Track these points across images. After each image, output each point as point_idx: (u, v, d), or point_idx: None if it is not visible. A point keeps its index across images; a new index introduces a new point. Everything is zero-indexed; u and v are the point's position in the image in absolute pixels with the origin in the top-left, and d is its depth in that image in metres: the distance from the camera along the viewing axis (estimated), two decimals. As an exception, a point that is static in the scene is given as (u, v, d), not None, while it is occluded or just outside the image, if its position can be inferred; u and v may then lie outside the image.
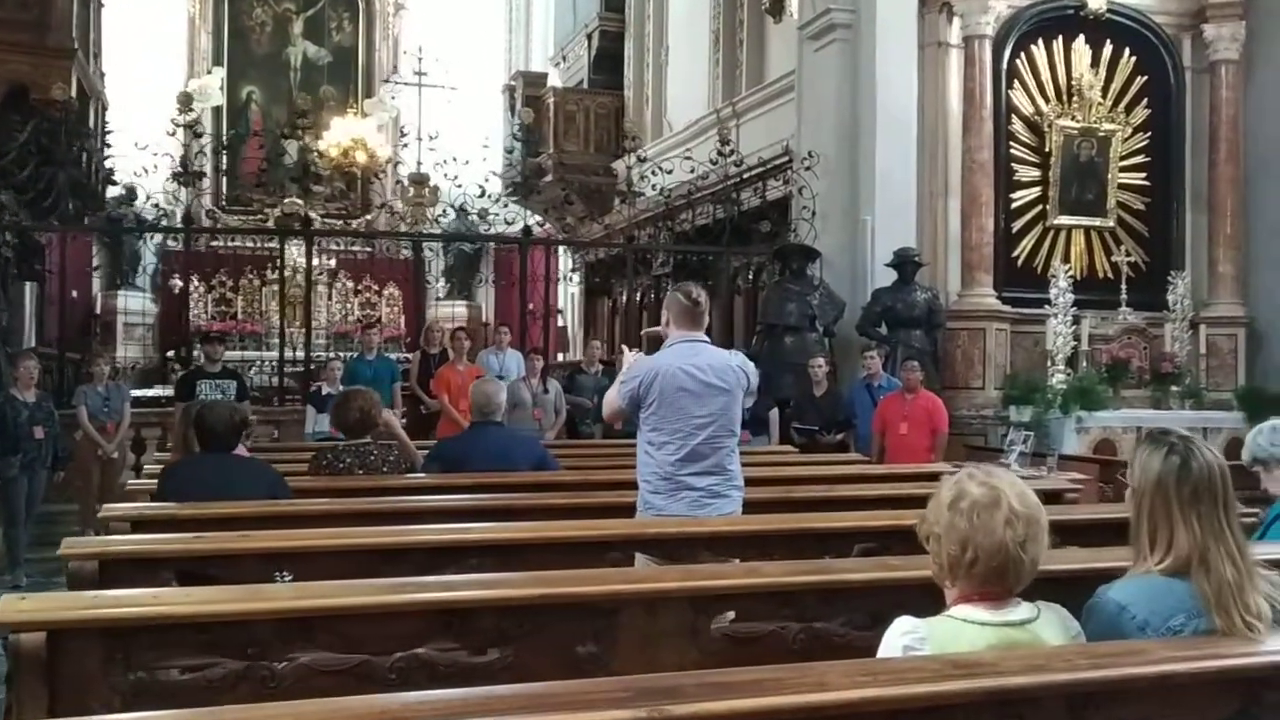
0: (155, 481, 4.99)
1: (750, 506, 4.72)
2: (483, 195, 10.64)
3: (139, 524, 4.19)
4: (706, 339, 4.62)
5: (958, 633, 2.29)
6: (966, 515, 2.24)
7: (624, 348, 5.15)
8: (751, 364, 4.73)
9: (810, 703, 2.06)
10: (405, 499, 4.81)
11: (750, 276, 11.91)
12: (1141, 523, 2.50)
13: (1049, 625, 2.36)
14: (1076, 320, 9.91)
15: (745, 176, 11.50)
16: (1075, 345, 9.92)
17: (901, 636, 2.33)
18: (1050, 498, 5.42)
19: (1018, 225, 10.42)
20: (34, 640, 2.59)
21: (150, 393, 12.46)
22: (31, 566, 7.75)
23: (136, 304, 16.25)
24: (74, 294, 14.22)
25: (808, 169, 10.46)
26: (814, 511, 4.70)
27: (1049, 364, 9.87)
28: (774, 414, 9.10)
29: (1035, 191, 10.47)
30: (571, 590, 2.99)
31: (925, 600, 2.51)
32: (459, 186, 11.02)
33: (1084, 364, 9.93)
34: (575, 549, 3.80)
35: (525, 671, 2.77)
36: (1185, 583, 2.42)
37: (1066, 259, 10.32)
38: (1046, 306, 9.93)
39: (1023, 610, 2.34)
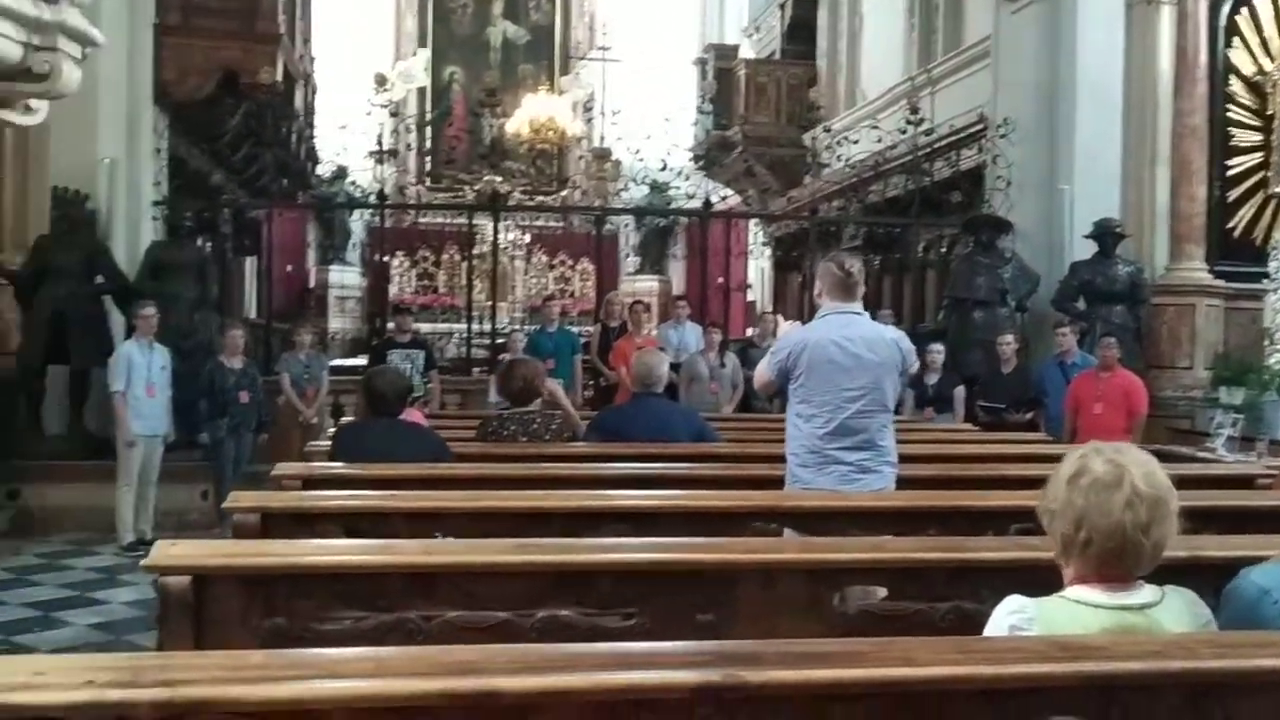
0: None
1: (907, 483, 4.60)
2: (664, 169, 10.69)
3: (309, 482, 4.42)
4: (860, 311, 4.51)
5: (1069, 614, 2.17)
6: (1084, 493, 2.11)
7: (778, 317, 5.09)
8: (908, 341, 4.59)
9: (892, 678, 1.99)
10: (562, 466, 4.90)
11: (942, 249, 11.54)
12: None
13: (1172, 611, 2.20)
14: (1299, 296, 9.18)
15: (937, 146, 11.14)
16: (1297, 323, 9.20)
17: (1009, 615, 2.23)
18: (1239, 483, 5.09)
19: (1234, 194, 9.73)
20: (180, 583, 2.78)
21: (355, 362, 13.10)
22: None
23: (346, 278, 17.13)
24: (289, 268, 15.12)
25: (1003, 137, 10.04)
26: (978, 490, 4.53)
27: (1266, 343, 9.19)
28: (959, 391, 8.83)
29: (1255, 158, 9.74)
30: (687, 558, 3.00)
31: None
32: (641, 161, 11.10)
33: (1307, 343, 9.20)
34: (716, 519, 3.79)
35: (664, 637, 2.78)
36: None
37: (1290, 230, 9.57)
38: (1265, 281, 9.25)
39: (1145, 594, 2.20)
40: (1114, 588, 2.17)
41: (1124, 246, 9.41)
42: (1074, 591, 2.20)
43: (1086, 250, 9.41)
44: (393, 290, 16.74)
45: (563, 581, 2.97)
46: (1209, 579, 2.44)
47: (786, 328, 4.75)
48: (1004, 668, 2.02)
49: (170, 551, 2.87)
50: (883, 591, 3.27)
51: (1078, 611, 2.16)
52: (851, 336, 4.36)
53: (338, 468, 4.65)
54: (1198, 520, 4.05)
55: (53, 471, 8.69)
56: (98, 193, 9.19)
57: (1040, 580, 2.48)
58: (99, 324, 8.98)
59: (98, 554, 7.91)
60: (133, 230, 9.49)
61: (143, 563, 2.84)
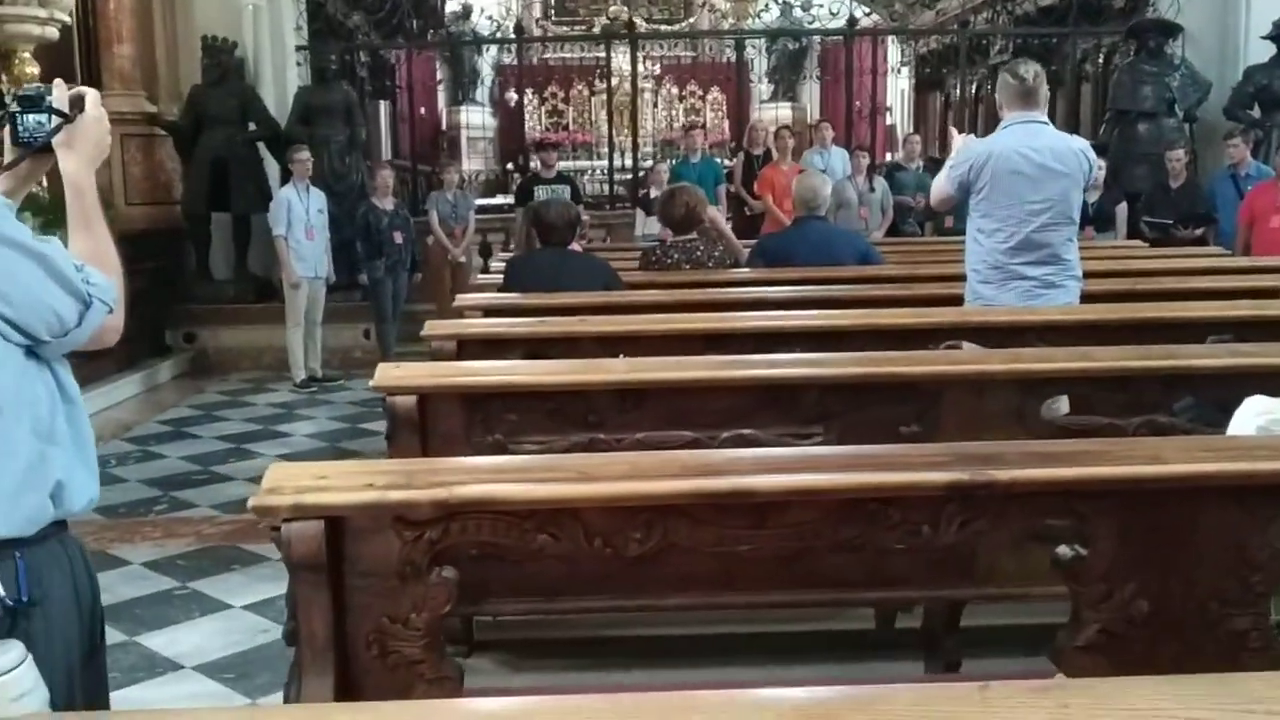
0: (501, 275, 5.36)
1: (1091, 299, 4.50)
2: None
3: (490, 312, 4.54)
4: (1044, 120, 4.36)
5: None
6: None
7: (953, 131, 4.94)
8: (1094, 152, 4.42)
9: (1139, 475, 2.00)
10: (731, 291, 4.91)
11: (1100, 60, 10.94)
12: None
13: None
14: None
15: (1096, -54, 10.45)
16: None
17: (1257, 416, 2.19)
18: None
19: None
20: (407, 402, 2.92)
21: (493, 201, 13.20)
22: (401, 359, 8.59)
23: (478, 118, 17.12)
24: (422, 110, 15.16)
25: (1170, -70, 9.37)
26: (1166, 302, 4.40)
27: None
28: (1122, 209, 8.50)
29: None
30: (896, 370, 3.01)
31: (1280, 391, 2.34)
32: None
33: None
34: (899, 337, 3.77)
35: (849, 452, 2.83)
36: None
37: None
38: None
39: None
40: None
41: (1306, 47, 8.78)
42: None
43: (1263, 53, 8.81)
44: (524, 129, 16.69)
45: (768, 396, 3.02)
46: None
47: (962, 141, 4.61)
48: (1255, 464, 2.00)
49: (394, 373, 3.01)
50: (1065, 407, 3.24)
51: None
52: (1038, 147, 4.22)
53: (516, 298, 4.74)
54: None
55: (223, 315, 9.12)
56: (244, 39, 9.32)
57: (1254, 388, 2.44)
58: (256, 170, 9.23)
59: (274, 391, 8.32)
60: (279, 75, 9.62)
61: (370, 383, 2.99)
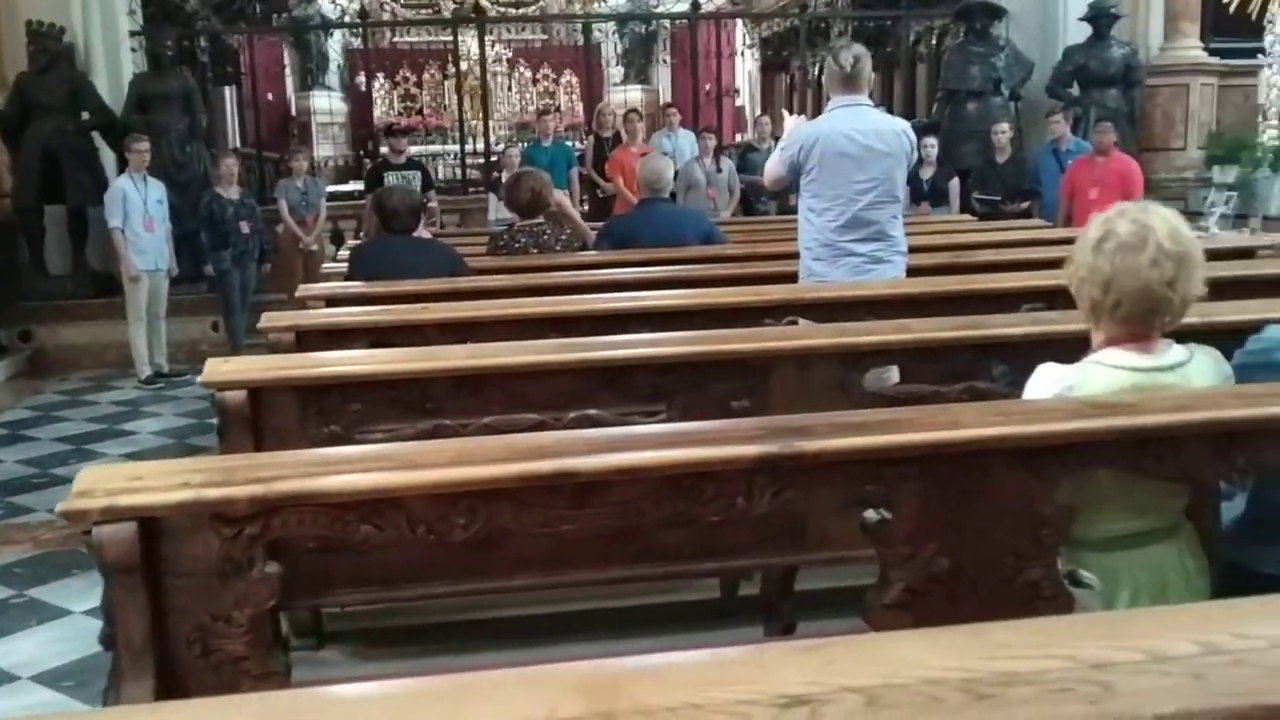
0: (347, 264, 5.30)
1: (917, 272, 4.70)
2: (650, -30, 10.40)
3: (333, 301, 4.50)
4: (869, 102, 4.52)
5: (1104, 377, 2.26)
6: (1110, 256, 2.13)
7: (785, 113, 5.09)
8: (912, 130, 4.61)
9: (941, 440, 2.12)
10: (577, 274, 4.97)
11: (934, 42, 11.33)
12: None
13: (1200, 368, 2.30)
14: (1294, 70, 9.11)
15: (927, -68, 10.81)
16: (1292, 98, 9.15)
17: (1053, 384, 2.30)
18: (1240, 254, 5.20)
19: (1231, -33, 9.51)
20: (237, 397, 2.89)
21: (345, 188, 12.99)
22: (250, 352, 8.42)
23: (328, 103, 16.79)
24: (269, 96, 14.78)
25: (995, -82, 9.74)
26: (986, 274, 4.62)
27: (1260, 119, 9.18)
28: (954, 184, 8.86)
29: (1253, -73, 9.48)
30: (725, 348, 3.11)
31: (1085, 353, 2.49)
32: (626, -37, 10.77)
33: (1301, 118, 9.18)
34: (737, 314, 3.88)
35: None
36: None
37: (1287, 1, 9.41)
38: (1260, 56, 9.15)
39: (1174, 354, 2.29)
40: (1144, 348, 2.24)
41: (1118, 28, 9.27)
42: (1108, 355, 2.25)
43: (1081, 34, 9.28)
44: (376, 113, 16.43)
45: (605, 378, 3.09)
46: (1221, 344, 2.53)
47: (793, 123, 4.76)
48: (1041, 426, 2.15)
49: (223, 368, 2.97)
50: (895, 376, 3.40)
51: (1112, 375, 2.23)
52: (862, 129, 4.38)
53: (359, 286, 4.71)
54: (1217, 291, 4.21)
55: (62, 311, 8.78)
56: (72, 24, 8.95)
57: (1060, 352, 2.59)
58: (90, 160, 8.89)
59: (118, 388, 8.06)
60: (112, 62, 9.27)
61: (198, 379, 2.95)
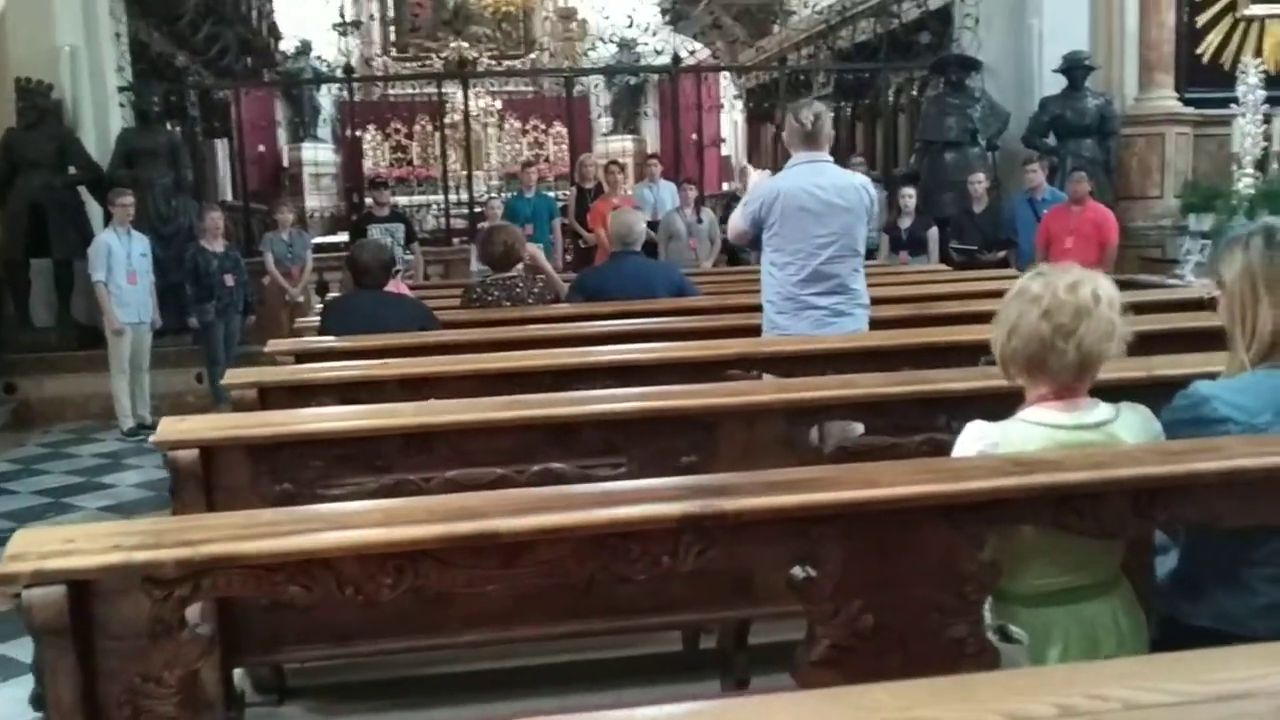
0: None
1: (882, 324, 4.76)
2: (631, 25, 10.57)
3: (301, 356, 4.56)
4: (828, 158, 4.59)
5: (1027, 435, 2.31)
6: (1015, 304, 2.26)
7: (747, 166, 5.17)
8: (873, 186, 4.69)
9: (859, 499, 2.15)
10: (546, 328, 5.02)
11: (914, 92, 11.49)
12: (1234, 317, 2.39)
13: (1128, 426, 2.34)
14: (1267, 119, 9.18)
15: (904, -13, 11.00)
16: (1266, 146, 9.23)
17: (976, 441, 2.36)
18: (1198, 305, 5.24)
19: (1203, 19, 9.68)
20: (189, 456, 2.93)
21: (336, 239, 13.09)
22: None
23: (320, 155, 16.96)
24: (260, 148, 14.96)
25: (970, -28, 9.93)
26: (948, 326, 4.67)
27: (1234, 168, 9.24)
28: (933, 233, 8.95)
29: (1224, -20, 9.66)
30: (671, 404, 3.15)
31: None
32: (607, 19, 10.94)
33: (1274, 166, 9.26)
34: (696, 369, 3.93)
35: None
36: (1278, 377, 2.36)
37: (1259, 53, 9.55)
38: (1234, 106, 9.24)
39: (1100, 412, 2.33)
40: (1070, 406, 2.29)
41: (1093, 79, 9.41)
42: (1032, 413, 2.32)
43: (1056, 85, 9.41)
44: (367, 165, 16.59)
45: (553, 434, 3.13)
46: (1165, 396, 2.58)
47: (756, 178, 4.84)
48: (962, 484, 2.19)
49: (177, 427, 3.01)
50: (860, 428, 3.44)
51: (1038, 432, 2.29)
52: (822, 184, 4.45)
53: (328, 341, 4.76)
54: (1156, 342, 4.26)
55: (46, 363, 8.83)
56: (61, 82, 9.08)
57: (1005, 408, 2.63)
58: (77, 214, 9.00)
59: (100, 441, 8.09)
60: (101, 118, 9.39)
61: (151, 439, 2.99)
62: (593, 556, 2.13)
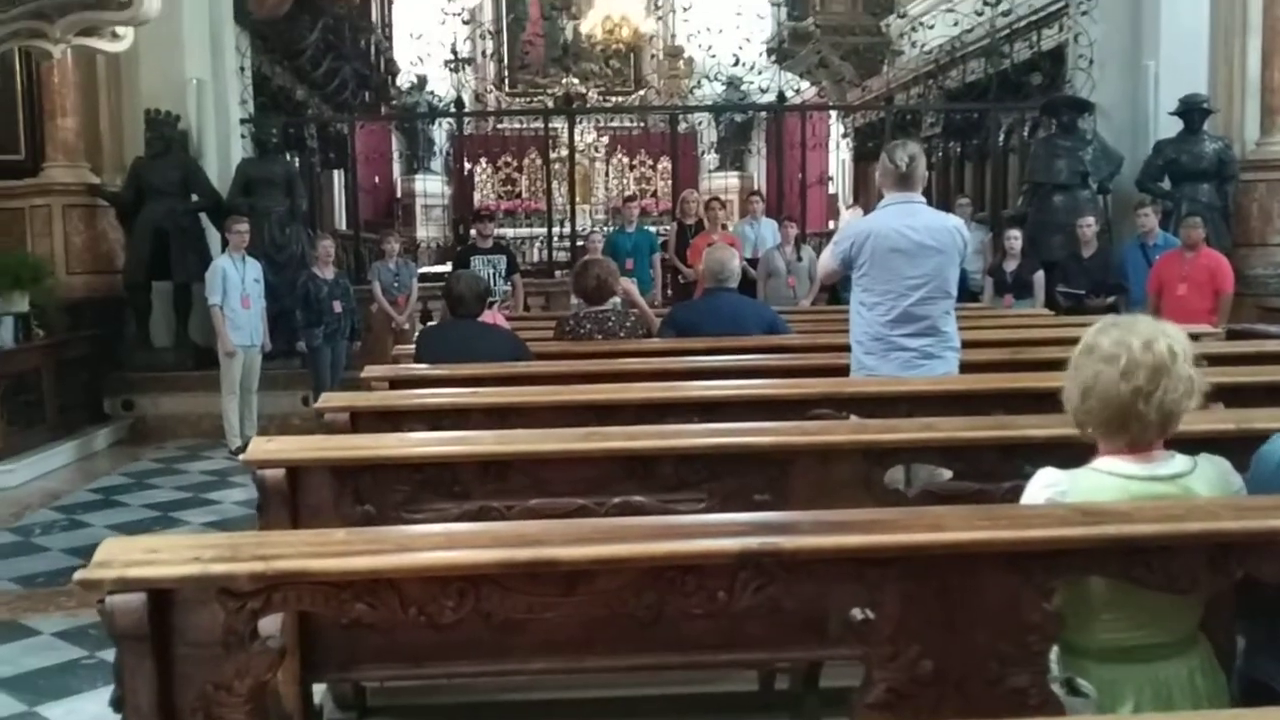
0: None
1: (976, 368, 4.69)
2: (737, 64, 10.65)
3: (395, 383, 4.68)
4: (920, 199, 4.57)
5: (1100, 484, 2.27)
6: (1090, 365, 2.22)
7: (842, 206, 5.17)
8: (966, 229, 4.66)
9: (920, 542, 2.14)
10: (636, 361, 5.07)
11: (1025, 133, 11.32)
12: None
13: (1204, 479, 2.29)
14: (1396, 165, 8.86)
15: (1016, 27, 10.87)
16: (1394, 194, 8.89)
17: (1044, 489, 2.33)
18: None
19: (1329, 63, 9.34)
20: (276, 475, 3.04)
21: (443, 268, 13.37)
22: (337, 425, 8.69)
23: (432, 187, 17.40)
24: (375, 180, 15.41)
25: (1084, 14, 9.78)
26: (1043, 372, 4.58)
27: (1360, 215, 8.92)
28: (1039, 277, 8.78)
29: (1352, 22, 9.32)
30: (744, 441, 3.16)
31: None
32: (714, 57, 11.05)
33: (1402, 214, 8.90)
34: (780, 406, 3.92)
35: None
36: None
37: (1386, 98, 9.20)
38: (1360, 152, 8.93)
39: (1176, 464, 2.29)
40: (1143, 458, 2.25)
41: (1211, 122, 9.16)
42: (1105, 463, 2.28)
43: (1172, 128, 9.19)
44: (477, 197, 16.96)
45: (629, 467, 3.16)
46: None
47: (848, 216, 4.84)
48: (1025, 531, 2.16)
49: (266, 447, 3.13)
50: (948, 473, 3.40)
51: (1109, 482, 2.25)
52: (915, 225, 4.43)
53: (421, 369, 4.89)
54: (1265, 395, 4.12)
55: (162, 382, 9.21)
56: (188, 113, 9.51)
57: (1086, 456, 2.59)
58: (197, 240, 9.38)
59: (209, 458, 8.38)
60: (223, 148, 9.81)
61: (241, 457, 3.11)
62: (650, 588, 2.15)
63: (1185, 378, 2.19)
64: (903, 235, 4.42)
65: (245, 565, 2.06)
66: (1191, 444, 2.51)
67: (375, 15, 11.97)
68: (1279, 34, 9.10)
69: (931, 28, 10.83)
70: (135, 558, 2.09)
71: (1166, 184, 9.18)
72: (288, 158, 10.06)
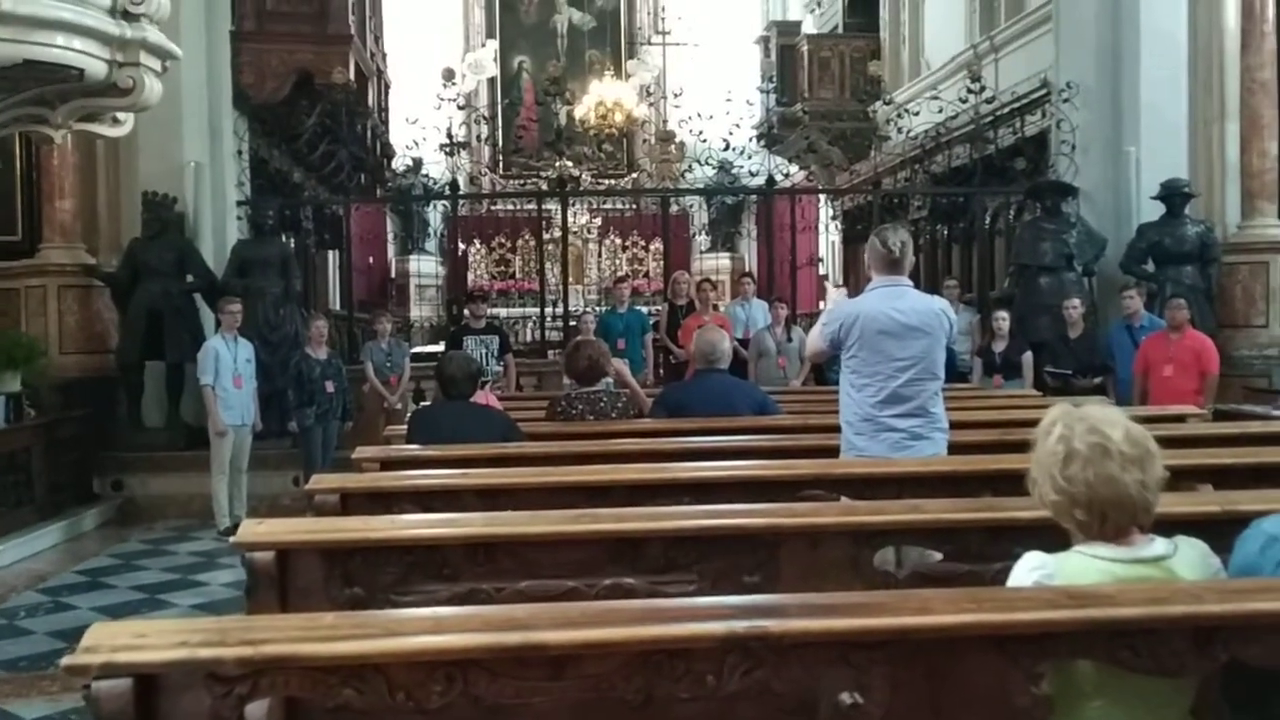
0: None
1: (965, 449, 4.71)
2: (727, 149, 10.84)
3: (386, 464, 4.68)
4: (908, 283, 4.64)
5: (1084, 567, 2.29)
6: (1082, 475, 2.24)
7: (830, 286, 5.24)
8: (952, 310, 4.73)
9: (907, 625, 2.15)
10: (627, 442, 5.08)
11: (1011, 215, 11.50)
12: None
13: (1186, 562, 2.32)
14: (1376, 248, 9.00)
15: (1000, 113, 11.11)
16: (1374, 276, 9.02)
17: (1031, 572, 2.35)
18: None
19: (1308, 148, 9.54)
20: (265, 557, 3.03)
21: (436, 348, 13.44)
22: (328, 506, 8.65)
23: (426, 267, 17.55)
24: (370, 260, 15.54)
25: (1066, 101, 10.01)
26: (1025, 453, 4.61)
27: (1343, 298, 9.03)
28: (1028, 357, 8.86)
29: (1329, 109, 9.54)
30: (732, 523, 3.17)
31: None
32: (704, 141, 11.25)
33: (1385, 297, 9.02)
34: (771, 487, 3.94)
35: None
36: None
37: (1366, 183, 9.38)
38: (1341, 235, 9.07)
39: (1157, 546, 2.31)
40: (1125, 542, 2.29)
41: (1193, 206, 9.33)
42: (1089, 547, 2.30)
43: (1154, 212, 9.35)
44: (471, 277, 17.11)
45: (617, 549, 3.17)
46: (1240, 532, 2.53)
47: (836, 295, 4.92)
48: (1013, 615, 2.17)
49: (256, 529, 3.13)
50: (938, 555, 3.41)
51: (1094, 565, 2.27)
52: (902, 308, 4.49)
53: (412, 449, 4.90)
54: (1250, 476, 4.14)
55: (153, 462, 9.18)
56: (185, 195, 9.62)
57: (1067, 538, 2.62)
58: (191, 320, 9.42)
59: (198, 539, 8.33)
60: (219, 229, 9.91)
61: (231, 540, 3.11)
62: (639, 672, 2.15)
63: (1161, 468, 2.24)
64: (891, 318, 4.48)
65: (233, 650, 2.05)
66: (1177, 526, 2.54)
67: (372, 100, 12.17)
68: (1257, 120, 9.30)
69: (917, 114, 11.05)
70: (122, 642, 2.08)
71: (1150, 266, 9.31)
72: (283, 239, 10.14)
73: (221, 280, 9.46)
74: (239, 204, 10.22)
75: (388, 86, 13.69)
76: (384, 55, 13.63)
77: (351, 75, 10.40)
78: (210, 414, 8.36)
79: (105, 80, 5.06)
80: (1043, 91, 10.75)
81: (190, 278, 9.44)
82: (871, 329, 4.49)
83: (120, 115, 5.62)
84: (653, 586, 3.17)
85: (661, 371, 10.24)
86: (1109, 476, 2.21)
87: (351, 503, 3.93)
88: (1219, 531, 2.63)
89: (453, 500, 3.93)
